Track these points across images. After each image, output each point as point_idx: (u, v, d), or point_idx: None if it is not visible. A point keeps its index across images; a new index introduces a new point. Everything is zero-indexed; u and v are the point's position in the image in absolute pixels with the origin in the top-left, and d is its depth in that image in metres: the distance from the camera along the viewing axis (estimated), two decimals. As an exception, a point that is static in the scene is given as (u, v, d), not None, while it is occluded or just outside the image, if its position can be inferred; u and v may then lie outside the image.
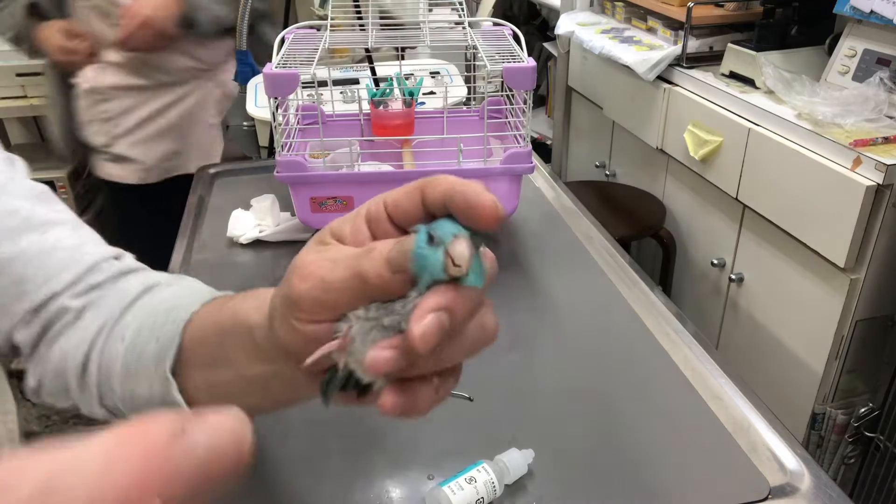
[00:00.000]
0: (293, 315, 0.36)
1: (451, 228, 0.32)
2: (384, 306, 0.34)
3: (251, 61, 1.49)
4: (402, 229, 0.36)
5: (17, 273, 0.56)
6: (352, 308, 0.35)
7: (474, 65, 0.98)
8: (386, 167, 0.87)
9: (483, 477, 0.55)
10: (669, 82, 1.76)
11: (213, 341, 0.48)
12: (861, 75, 1.39)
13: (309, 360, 0.36)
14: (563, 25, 2.14)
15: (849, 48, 1.44)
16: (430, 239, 0.32)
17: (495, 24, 0.95)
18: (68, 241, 0.59)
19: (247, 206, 0.99)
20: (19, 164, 0.63)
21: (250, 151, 1.36)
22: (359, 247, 0.36)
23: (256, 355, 0.44)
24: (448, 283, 0.32)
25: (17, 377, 0.61)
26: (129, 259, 0.63)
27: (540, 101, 2.88)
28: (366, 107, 0.94)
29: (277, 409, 0.51)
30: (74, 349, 0.55)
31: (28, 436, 0.61)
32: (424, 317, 0.32)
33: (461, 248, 0.31)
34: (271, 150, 1.28)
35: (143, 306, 0.56)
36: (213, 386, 0.49)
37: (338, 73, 1.34)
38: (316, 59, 0.80)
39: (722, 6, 1.73)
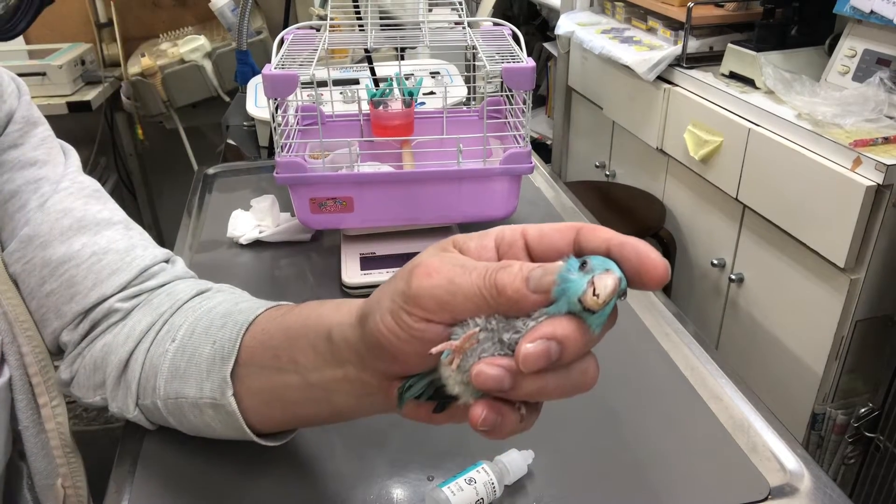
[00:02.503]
0: (408, 309, 0.35)
1: (605, 264, 0.32)
2: (506, 320, 0.33)
3: (251, 61, 1.49)
4: (536, 261, 0.36)
5: (69, 275, 0.56)
6: (472, 316, 0.34)
7: (474, 65, 0.98)
8: (386, 167, 0.87)
9: (483, 478, 0.55)
10: (669, 82, 1.76)
11: (279, 344, 0.48)
12: (861, 75, 1.39)
13: (436, 349, 0.35)
14: (563, 25, 2.14)
15: (849, 48, 1.44)
16: (583, 265, 0.32)
17: (495, 24, 0.94)
18: (120, 244, 0.59)
19: (247, 207, 0.99)
20: (73, 155, 0.62)
21: (250, 151, 1.36)
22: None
23: (329, 358, 0.43)
24: (572, 317, 0.32)
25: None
26: (180, 264, 0.63)
27: (540, 101, 2.88)
28: (365, 107, 0.94)
29: (334, 420, 0.50)
30: (119, 346, 0.55)
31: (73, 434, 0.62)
32: (536, 340, 0.32)
33: (608, 281, 0.31)
34: (271, 151, 1.28)
35: (195, 309, 0.56)
36: (274, 390, 0.48)
37: (337, 74, 1.34)
38: (315, 60, 0.80)
39: (722, 6, 1.73)
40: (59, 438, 0.59)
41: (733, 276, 1.62)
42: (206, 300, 0.57)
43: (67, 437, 0.60)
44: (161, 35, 2.27)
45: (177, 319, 0.55)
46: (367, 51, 1.22)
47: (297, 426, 0.55)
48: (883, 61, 1.37)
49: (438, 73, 1.36)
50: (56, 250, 0.56)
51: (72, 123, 2.27)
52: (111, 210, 0.61)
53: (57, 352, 0.59)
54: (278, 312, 0.51)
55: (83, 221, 0.58)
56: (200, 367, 0.51)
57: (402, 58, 1.42)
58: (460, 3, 0.93)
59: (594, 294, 0.30)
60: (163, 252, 0.62)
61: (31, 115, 0.59)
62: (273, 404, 0.50)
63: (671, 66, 1.74)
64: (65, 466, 0.60)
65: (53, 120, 0.63)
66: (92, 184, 0.61)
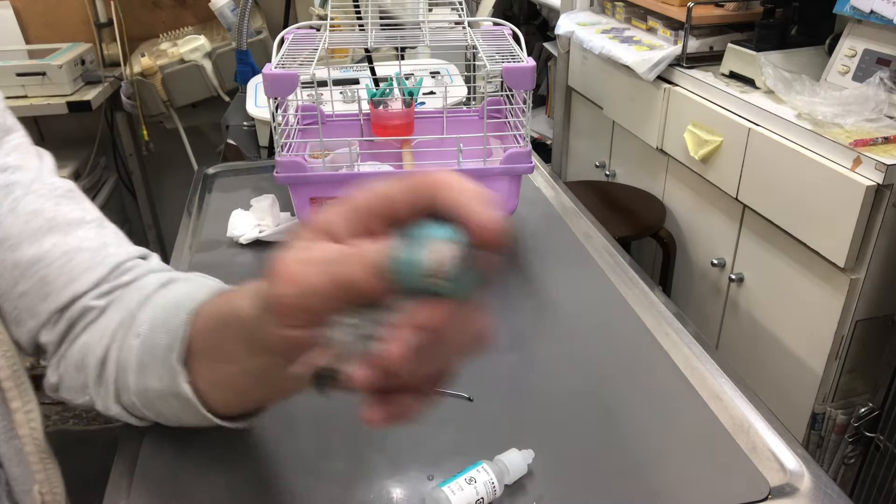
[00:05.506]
0: (274, 320, 0.36)
1: (436, 232, 0.29)
2: (369, 313, 0.32)
3: (251, 61, 1.49)
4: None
5: (40, 275, 0.56)
6: (335, 311, 0.33)
7: (474, 65, 0.98)
8: (386, 167, 0.87)
9: (483, 477, 0.55)
10: (669, 82, 1.76)
11: (211, 336, 0.48)
12: (861, 75, 1.39)
13: (293, 369, 0.35)
14: (563, 25, 2.14)
15: (849, 48, 1.44)
16: (407, 239, 0.29)
17: (495, 23, 0.95)
18: (92, 242, 0.58)
19: (247, 206, 0.99)
20: (47, 159, 0.62)
21: (250, 151, 1.36)
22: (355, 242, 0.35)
23: (253, 347, 0.43)
24: (430, 295, 0.29)
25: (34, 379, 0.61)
26: (154, 259, 0.63)
27: (540, 101, 2.88)
28: (365, 107, 0.94)
29: (287, 397, 0.50)
30: (95, 345, 0.55)
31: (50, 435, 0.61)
32: (399, 337, 0.31)
33: (439, 256, 0.28)
34: (271, 150, 1.28)
35: (158, 302, 0.56)
36: (222, 378, 0.49)
37: (337, 73, 1.34)
38: (315, 60, 0.80)
39: (722, 6, 1.73)
40: (34, 444, 0.58)
41: (733, 276, 1.62)
42: (168, 291, 0.57)
43: (42, 442, 0.59)
44: (161, 35, 2.27)
45: (142, 315, 0.55)
46: (367, 51, 1.22)
47: (259, 407, 0.54)
48: (883, 61, 1.36)
49: (438, 72, 1.36)
50: (25, 252, 0.56)
51: (72, 123, 2.27)
52: (84, 209, 0.60)
53: (34, 352, 0.59)
54: (221, 300, 0.51)
55: (54, 222, 0.57)
56: (158, 359, 0.52)
57: (402, 58, 1.42)
58: (460, 3, 0.93)
59: (438, 267, 0.28)
60: (137, 249, 0.62)
61: (4, 122, 0.59)
62: (227, 391, 0.50)
63: (671, 65, 1.74)
64: (41, 472, 0.59)
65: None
66: (64, 184, 0.61)
